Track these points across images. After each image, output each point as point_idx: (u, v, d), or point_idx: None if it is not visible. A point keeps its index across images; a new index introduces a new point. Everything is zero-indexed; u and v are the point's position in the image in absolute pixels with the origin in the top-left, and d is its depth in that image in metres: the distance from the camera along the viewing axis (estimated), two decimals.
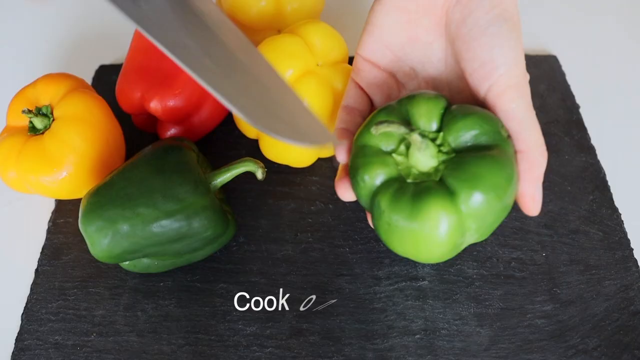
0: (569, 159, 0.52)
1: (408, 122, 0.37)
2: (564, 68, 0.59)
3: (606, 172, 0.51)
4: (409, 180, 0.36)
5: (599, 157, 0.52)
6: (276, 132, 0.30)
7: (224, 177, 0.44)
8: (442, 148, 0.37)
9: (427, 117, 0.37)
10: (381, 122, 0.35)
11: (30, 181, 0.45)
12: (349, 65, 0.49)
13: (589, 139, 0.54)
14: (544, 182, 0.49)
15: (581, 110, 0.56)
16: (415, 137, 0.35)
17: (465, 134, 0.36)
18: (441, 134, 0.37)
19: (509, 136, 0.37)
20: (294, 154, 0.48)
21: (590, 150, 0.53)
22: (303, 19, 0.51)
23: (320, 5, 0.57)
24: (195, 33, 0.29)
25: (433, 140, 0.37)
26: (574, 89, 0.58)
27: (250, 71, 0.33)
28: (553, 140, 0.53)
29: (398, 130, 0.35)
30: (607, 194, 0.50)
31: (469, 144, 0.36)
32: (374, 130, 0.35)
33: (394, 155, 0.37)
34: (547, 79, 0.58)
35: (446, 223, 0.34)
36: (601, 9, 0.67)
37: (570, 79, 0.59)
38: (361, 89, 0.43)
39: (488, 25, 0.37)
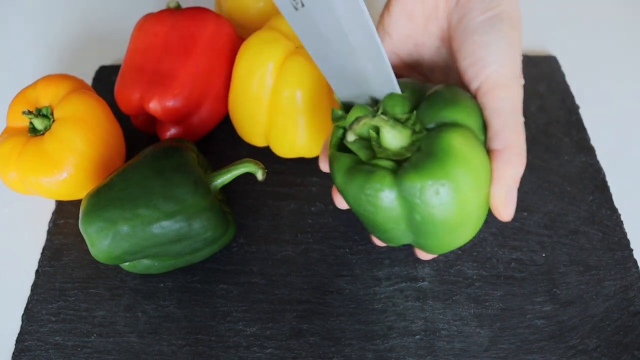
0: (569, 160, 0.52)
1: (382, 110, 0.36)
2: (564, 68, 0.60)
3: (606, 173, 0.51)
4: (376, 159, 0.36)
5: (599, 157, 0.52)
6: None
7: (224, 178, 0.44)
8: (415, 127, 0.35)
9: (403, 104, 0.36)
10: (353, 122, 0.34)
11: (31, 182, 0.45)
12: None
13: (589, 139, 0.54)
14: (543, 183, 0.50)
15: (581, 111, 0.56)
16: (381, 117, 0.34)
17: (444, 116, 0.34)
18: (414, 112, 0.35)
19: (484, 142, 0.35)
20: (305, 143, 0.49)
21: (590, 151, 0.53)
22: None
23: None
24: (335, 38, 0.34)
25: (404, 121, 0.36)
26: (574, 89, 0.58)
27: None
28: (553, 141, 0.53)
29: (371, 121, 0.34)
30: (606, 194, 0.50)
31: (442, 121, 0.34)
32: (350, 133, 0.34)
33: (372, 142, 0.36)
34: (546, 80, 0.58)
35: (386, 197, 0.34)
36: (601, 9, 0.67)
37: (570, 79, 0.59)
38: None
39: (482, 24, 0.36)
